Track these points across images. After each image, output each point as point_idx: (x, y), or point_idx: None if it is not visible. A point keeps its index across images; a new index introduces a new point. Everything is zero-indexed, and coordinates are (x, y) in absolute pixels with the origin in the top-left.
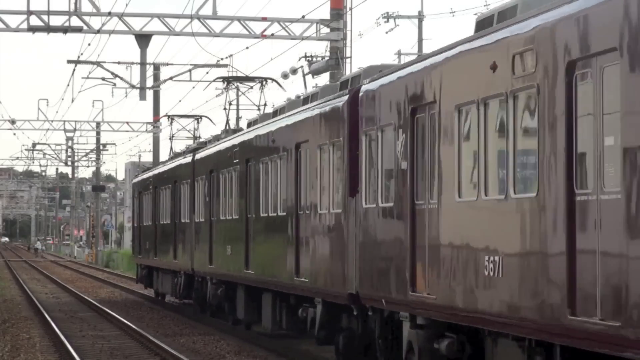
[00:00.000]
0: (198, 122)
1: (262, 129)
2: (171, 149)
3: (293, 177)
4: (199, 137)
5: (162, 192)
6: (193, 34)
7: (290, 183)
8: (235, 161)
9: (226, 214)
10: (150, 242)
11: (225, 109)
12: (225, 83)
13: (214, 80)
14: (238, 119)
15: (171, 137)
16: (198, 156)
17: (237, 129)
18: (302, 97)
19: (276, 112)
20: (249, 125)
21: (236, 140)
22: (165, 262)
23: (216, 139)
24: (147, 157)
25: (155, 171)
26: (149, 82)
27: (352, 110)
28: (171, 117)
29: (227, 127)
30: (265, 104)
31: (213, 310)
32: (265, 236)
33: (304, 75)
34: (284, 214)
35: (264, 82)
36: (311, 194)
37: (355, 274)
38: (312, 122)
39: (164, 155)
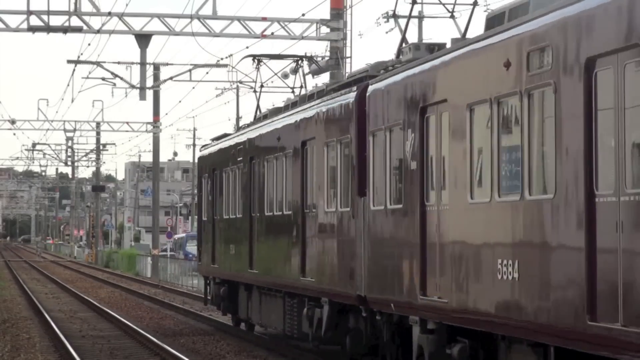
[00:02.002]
0: (298, 65)
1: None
2: (258, 107)
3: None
4: (301, 85)
5: (264, 166)
6: (193, 34)
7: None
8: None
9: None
10: (235, 245)
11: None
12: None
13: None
14: (238, 119)
15: (261, 86)
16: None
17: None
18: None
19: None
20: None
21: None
22: (274, 277)
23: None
24: (147, 157)
25: (250, 133)
26: (149, 82)
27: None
28: (257, 58)
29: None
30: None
31: None
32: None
33: (304, 75)
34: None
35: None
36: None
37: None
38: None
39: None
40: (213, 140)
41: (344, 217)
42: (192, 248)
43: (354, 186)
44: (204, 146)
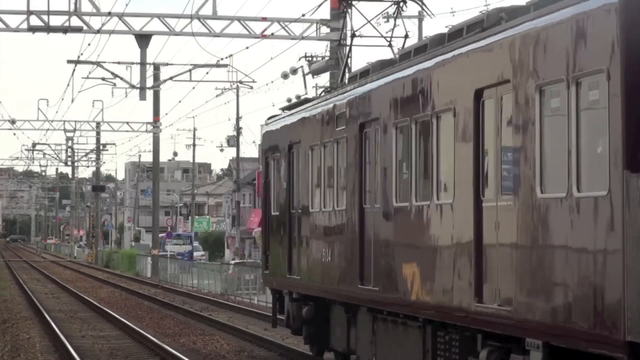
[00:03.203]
0: (399, 9)
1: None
2: (346, 64)
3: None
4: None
5: (393, 134)
6: (193, 34)
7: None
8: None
9: None
10: (332, 249)
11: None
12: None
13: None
14: (238, 119)
15: (353, 35)
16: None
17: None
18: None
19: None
20: (362, 76)
21: None
22: (409, 298)
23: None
24: (147, 157)
25: (356, 91)
26: (149, 82)
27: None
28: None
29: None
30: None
31: None
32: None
33: (304, 75)
34: None
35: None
36: None
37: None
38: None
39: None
40: (284, 109)
41: (601, 206)
42: (171, 247)
43: (621, 155)
44: (271, 118)
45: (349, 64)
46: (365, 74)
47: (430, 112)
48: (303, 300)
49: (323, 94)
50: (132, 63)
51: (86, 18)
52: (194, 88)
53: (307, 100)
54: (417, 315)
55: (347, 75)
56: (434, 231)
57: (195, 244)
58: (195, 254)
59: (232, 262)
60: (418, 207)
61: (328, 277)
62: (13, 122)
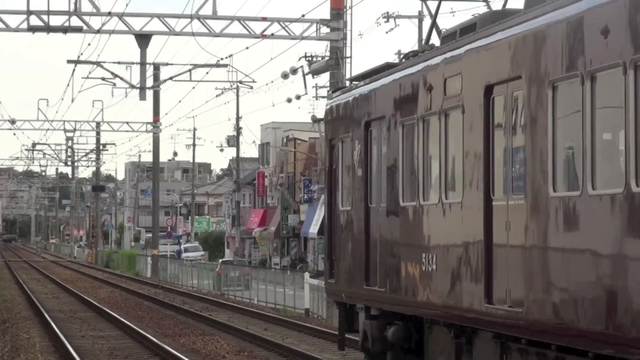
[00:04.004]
0: None
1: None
2: (434, 23)
3: None
4: None
5: (543, 98)
6: (193, 34)
7: None
8: None
9: None
10: (437, 255)
11: None
12: None
13: None
14: (238, 119)
15: None
16: None
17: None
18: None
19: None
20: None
21: None
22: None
23: None
24: (147, 157)
25: (477, 43)
26: (149, 82)
27: None
28: None
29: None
30: None
31: None
32: None
33: (304, 75)
34: None
35: None
36: None
37: None
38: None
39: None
40: (354, 80)
41: None
42: (160, 247)
43: None
44: (338, 91)
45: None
46: (470, 29)
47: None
48: (386, 318)
49: (407, 57)
50: (132, 63)
51: (86, 18)
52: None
53: (390, 66)
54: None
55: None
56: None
57: (195, 244)
58: (195, 254)
59: (220, 260)
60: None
61: (430, 290)
62: (13, 122)
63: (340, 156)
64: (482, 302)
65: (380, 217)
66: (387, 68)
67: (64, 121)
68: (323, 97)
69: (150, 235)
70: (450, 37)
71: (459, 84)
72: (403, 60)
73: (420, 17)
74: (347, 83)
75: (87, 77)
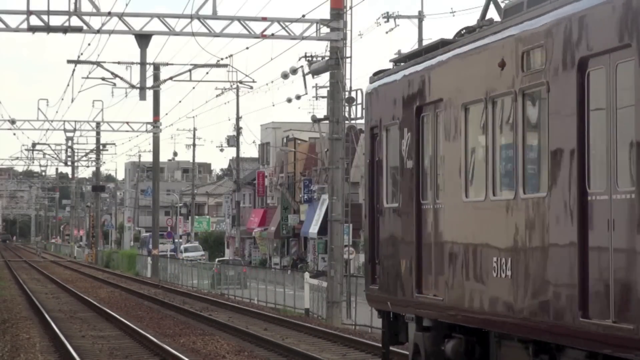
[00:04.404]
0: None
1: None
2: None
3: None
4: None
5: None
6: (193, 34)
7: None
8: None
9: None
10: (519, 261)
11: None
12: None
13: None
14: (238, 119)
15: None
16: None
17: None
18: None
19: None
20: None
21: None
22: None
23: None
24: (147, 157)
25: None
26: (149, 82)
27: None
28: None
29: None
30: None
31: None
32: None
33: (304, 75)
34: None
35: None
36: None
37: None
38: None
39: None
40: (398, 62)
41: None
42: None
43: None
44: (380, 74)
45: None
46: None
47: None
48: (442, 330)
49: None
50: (132, 63)
51: (86, 18)
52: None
53: (444, 43)
54: None
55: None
56: None
57: (195, 244)
58: (195, 254)
59: (216, 260)
60: None
61: (503, 300)
62: (13, 122)
63: (385, 146)
64: (575, 315)
65: (436, 215)
66: (441, 45)
67: (64, 121)
68: (323, 97)
69: (145, 234)
70: (517, 9)
71: (542, 58)
72: (457, 38)
73: (420, 17)
74: (391, 65)
75: (87, 77)
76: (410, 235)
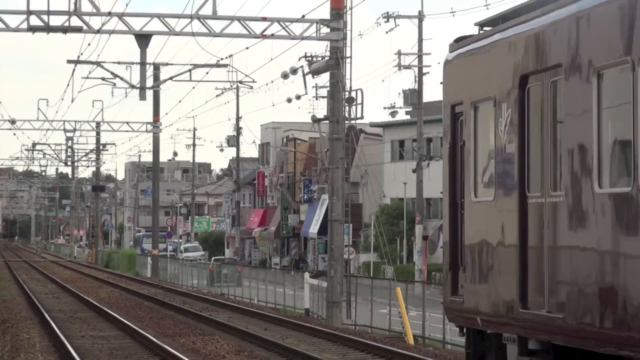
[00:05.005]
0: None
1: None
2: None
3: None
4: None
5: None
6: (193, 34)
7: None
8: None
9: None
10: None
11: None
12: None
13: None
14: (238, 119)
15: None
16: None
17: None
18: None
19: None
20: None
21: None
22: None
23: None
24: (147, 157)
25: None
26: (149, 82)
27: None
28: None
29: None
30: None
31: None
32: None
33: (304, 75)
34: None
35: None
36: None
37: None
38: None
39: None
40: (484, 26)
41: None
42: (147, 246)
43: None
44: (461, 41)
45: None
46: None
47: None
48: (556, 355)
49: None
50: (132, 63)
51: (86, 18)
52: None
53: None
54: None
55: None
56: None
57: (195, 243)
58: (195, 254)
59: (212, 259)
60: None
61: None
62: (13, 122)
63: (473, 127)
64: None
65: (552, 211)
66: (546, 2)
67: (64, 121)
68: (323, 97)
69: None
70: None
71: None
72: None
73: (420, 17)
74: (477, 30)
75: (87, 77)
76: (511, 235)
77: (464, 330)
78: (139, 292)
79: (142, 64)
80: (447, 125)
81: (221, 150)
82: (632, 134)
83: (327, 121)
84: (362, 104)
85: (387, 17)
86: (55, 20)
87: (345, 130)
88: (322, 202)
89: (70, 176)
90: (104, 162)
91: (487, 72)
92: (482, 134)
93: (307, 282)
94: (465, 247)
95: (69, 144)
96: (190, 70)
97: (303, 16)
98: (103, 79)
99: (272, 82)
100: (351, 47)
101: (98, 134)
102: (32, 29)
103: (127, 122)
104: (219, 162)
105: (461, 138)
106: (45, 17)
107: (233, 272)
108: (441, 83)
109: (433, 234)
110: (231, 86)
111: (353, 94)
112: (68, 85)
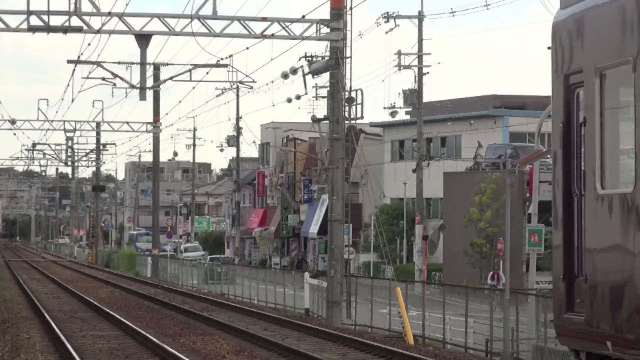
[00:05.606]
0: None
1: None
2: None
3: None
4: None
5: None
6: (193, 34)
7: None
8: None
9: None
10: None
11: None
12: None
13: None
14: (238, 119)
15: None
16: None
17: None
18: None
19: None
20: None
21: None
22: None
23: None
24: (147, 157)
25: None
26: (149, 82)
27: None
28: None
29: None
30: None
31: None
32: None
33: (304, 75)
34: None
35: None
36: None
37: None
38: None
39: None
40: None
41: None
42: (141, 244)
43: None
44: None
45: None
46: None
47: None
48: None
49: None
50: (132, 63)
51: (86, 18)
52: (194, 88)
53: None
54: None
55: None
56: None
57: (196, 243)
58: (195, 254)
59: (209, 257)
60: None
61: None
62: (13, 122)
63: (599, 101)
64: None
65: None
66: None
67: (64, 121)
68: (323, 97)
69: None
70: None
71: None
72: None
73: (420, 17)
74: None
75: (87, 77)
76: None
77: (580, 355)
78: (139, 292)
79: (142, 64)
80: (559, 101)
81: (221, 150)
82: None
83: (327, 121)
84: (362, 104)
85: (387, 17)
86: (55, 20)
87: (345, 130)
88: (322, 202)
89: (70, 176)
90: (104, 162)
91: (622, 29)
92: (611, 109)
93: (307, 282)
94: (586, 252)
95: (69, 144)
96: (190, 70)
97: (303, 16)
98: (103, 79)
99: (272, 82)
100: (351, 47)
101: (98, 134)
102: (32, 29)
103: (127, 122)
104: (219, 162)
105: (578, 115)
106: (45, 17)
107: (227, 270)
108: (549, 48)
109: (433, 234)
110: (231, 86)
111: (353, 94)
112: (68, 85)
